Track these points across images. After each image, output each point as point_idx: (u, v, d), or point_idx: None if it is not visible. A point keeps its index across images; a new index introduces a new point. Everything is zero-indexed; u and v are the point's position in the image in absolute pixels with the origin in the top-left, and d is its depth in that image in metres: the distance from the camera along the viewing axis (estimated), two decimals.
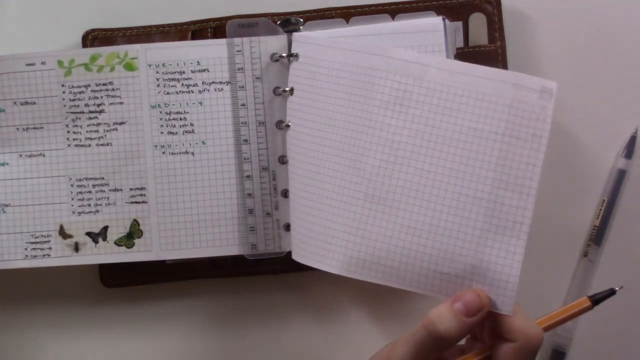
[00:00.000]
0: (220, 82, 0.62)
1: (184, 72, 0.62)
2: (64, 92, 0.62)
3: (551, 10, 0.65)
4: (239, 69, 0.61)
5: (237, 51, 0.61)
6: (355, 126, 0.56)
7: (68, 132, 0.62)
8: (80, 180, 0.62)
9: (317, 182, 0.57)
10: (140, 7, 0.67)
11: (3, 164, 0.62)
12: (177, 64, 0.62)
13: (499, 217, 0.52)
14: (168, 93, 0.62)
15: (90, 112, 0.62)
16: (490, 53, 0.64)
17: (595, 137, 0.65)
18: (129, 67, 0.62)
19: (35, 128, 0.62)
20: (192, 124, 0.62)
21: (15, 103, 0.62)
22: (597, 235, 0.64)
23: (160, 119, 0.62)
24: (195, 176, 0.62)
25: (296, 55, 0.60)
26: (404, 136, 0.54)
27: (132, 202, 0.62)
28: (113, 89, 0.62)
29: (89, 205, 0.62)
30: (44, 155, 0.62)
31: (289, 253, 0.60)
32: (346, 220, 0.55)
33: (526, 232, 0.52)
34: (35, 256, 0.62)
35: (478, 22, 0.64)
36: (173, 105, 0.62)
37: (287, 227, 0.61)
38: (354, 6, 0.64)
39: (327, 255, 0.56)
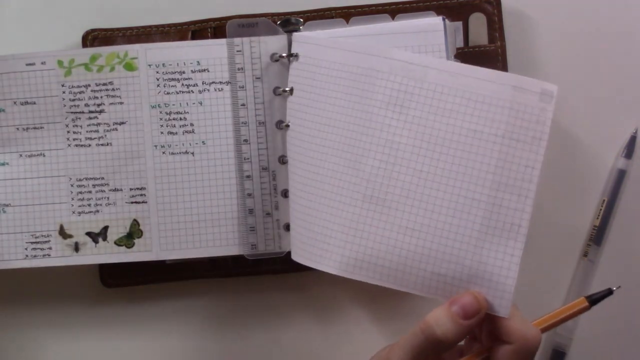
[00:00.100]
0: (220, 82, 0.62)
1: (184, 72, 0.62)
2: (64, 92, 0.62)
3: (551, 10, 0.65)
4: (239, 69, 0.61)
5: (237, 51, 0.61)
6: (355, 127, 0.56)
7: (68, 132, 0.62)
8: (80, 180, 0.62)
9: (316, 182, 0.57)
10: (140, 7, 0.67)
11: (3, 164, 0.62)
12: (177, 64, 0.62)
13: (497, 219, 0.52)
14: (168, 93, 0.62)
15: (90, 112, 0.62)
16: (490, 53, 0.64)
17: (595, 137, 0.65)
18: (129, 67, 0.62)
19: (35, 128, 0.62)
20: (192, 124, 0.62)
21: (15, 103, 0.62)
22: (597, 235, 0.64)
23: (160, 119, 0.62)
24: (195, 176, 0.62)
25: (296, 55, 0.60)
26: (403, 137, 0.54)
27: (132, 202, 0.62)
28: (113, 89, 0.62)
29: (89, 205, 0.62)
30: (44, 155, 0.62)
31: (289, 253, 0.60)
32: (345, 221, 0.55)
33: (524, 235, 0.52)
34: (35, 256, 0.62)
35: (478, 22, 0.64)
36: (173, 105, 0.62)
37: (287, 227, 0.61)
38: (354, 6, 0.64)
39: (325, 256, 0.56)
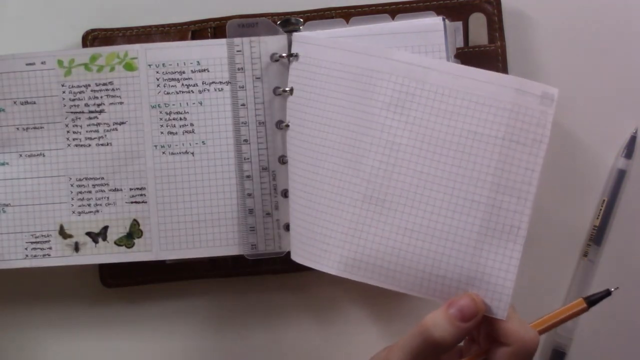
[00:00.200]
0: (220, 82, 0.62)
1: (184, 72, 0.62)
2: (64, 92, 0.62)
3: (551, 10, 0.65)
4: (239, 69, 0.61)
5: (237, 51, 0.61)
6: (355, 127, 0.56)
7: (68, 132, 0.62)
8: (80, 180, 0.62)
9: (316, 183, 0.57)
10: (140, 7, 0.67)
11: (3, 164, 0.62)
12: (177, 64, 0.62)
13: (497, 221, 0.52)
14: (168, 93, 0.62)
15: (90, 112, 0.62)
16: (490, 53, 0.63)
17: (595, 137, 0.65)
18: (129, 67, 0.62)
19: (35, 128, 0.62)
20: (192, 124, 0.62)
21: (15, 103, 0.62)
22: (597, 235, 0.64)
23: (160, 119, 0.62)
24: (195, 176, 0.62)
25: (296, 55, 0.60)
26: (404, 138, 0.54)
27: (132, 202, 0.62)
28: (113, 89, 0.62)
29: (89, 205, 0.62)
30: (44, 155, 0.62)
31: (289, 253, 0.60)
32: (344, 221, 0.55)
33: (523, 237, 0.52)
34: (35, 256, 0.62)
35: (478, 22, 0.64)
36: (173, 105, 0.62)
37: (287, 227, 0.61)
38: (354, 6, 0.64)
39: (325, 256, 0.56)
